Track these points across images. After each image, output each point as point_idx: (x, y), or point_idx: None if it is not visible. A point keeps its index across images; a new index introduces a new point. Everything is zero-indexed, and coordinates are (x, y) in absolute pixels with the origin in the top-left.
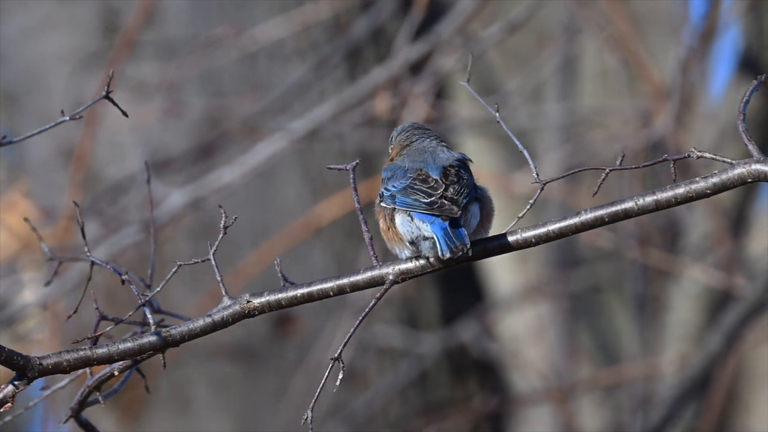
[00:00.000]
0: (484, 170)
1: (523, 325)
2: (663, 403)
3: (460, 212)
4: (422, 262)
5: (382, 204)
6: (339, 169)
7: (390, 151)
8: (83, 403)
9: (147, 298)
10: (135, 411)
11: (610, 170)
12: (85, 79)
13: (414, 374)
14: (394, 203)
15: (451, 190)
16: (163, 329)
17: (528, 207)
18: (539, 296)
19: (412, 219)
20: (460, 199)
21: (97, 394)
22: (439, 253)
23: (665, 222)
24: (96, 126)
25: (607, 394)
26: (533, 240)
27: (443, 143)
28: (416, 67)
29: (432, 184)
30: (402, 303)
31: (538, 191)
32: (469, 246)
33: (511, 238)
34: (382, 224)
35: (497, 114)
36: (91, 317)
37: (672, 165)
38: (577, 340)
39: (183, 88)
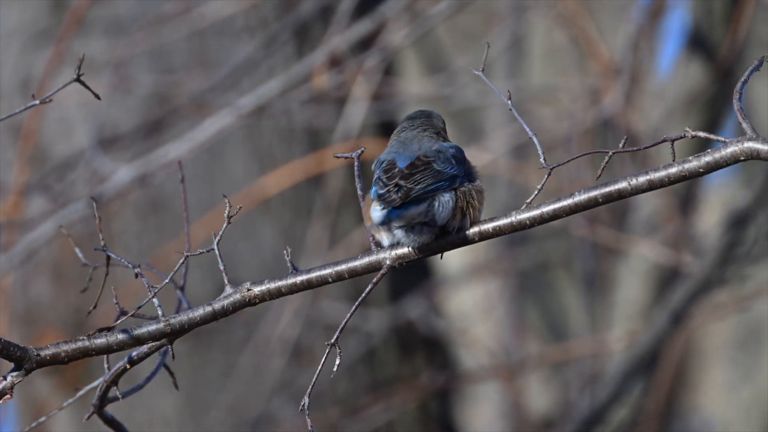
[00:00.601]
0: None
1: (471, 303)
2: (611, 380)
3: (399, 202)
4: (407, 249)
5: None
6: (345, 158)
7: None
8: (104, 399)
9: (157, 290)
10: (80, 385)
11: (614, 153)
12: (35, 55)
13: (362, 351)
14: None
15: (410, 179)
16: (162, 319)
17: (536, 192)
18: (488, 273)
19: (377, 207)
20: (415, 187)
21: (115, 388)
22: (377, 224)
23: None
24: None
25: (555, 371)
26: (527, 222)
27: (430, 133)
28: (366, 44)
29: (390, 174)
30: (350, 280)
31: (545, 177)
32: (393, 219)
33: (506, 221)
34: (365, 209)
35: (509, 102)
36: (41, 291)
37: (671, 144)
38: (526, 317)
39: (132, 64)
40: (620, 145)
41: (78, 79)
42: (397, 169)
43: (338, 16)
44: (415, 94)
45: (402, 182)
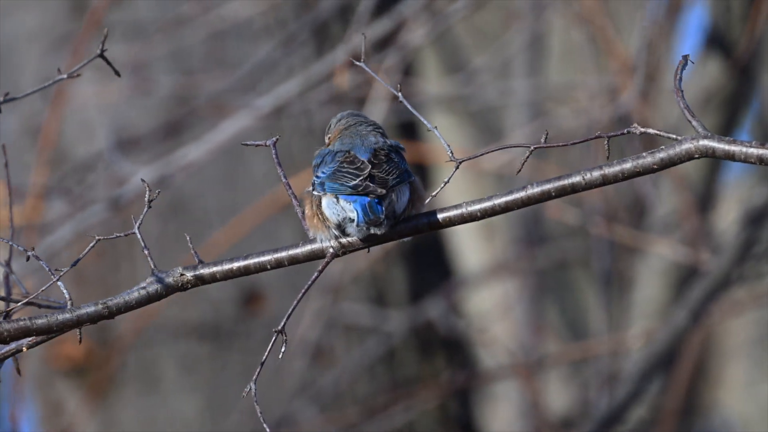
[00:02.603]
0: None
1: (490, 302)
2: (629, 378)
3: (385, 192)
4: (351, 238)
5: (314, 192)
6: (257, 145)
7: (326, 139)
8: None
9: (61, 275)
10: (102, 391)
11: (535, 148)
12: (55, 58)
13: (381, 351)
14: (324, 190)
15: (379, 169)
16: (101, 301)
17: (442, 186)
18: (506, 273)
19: (337, 200)
20: (390, 178)
21: None
22: (356, 226)
23: (632, 198)
24: (63, 105)
25: (574, 369)
26: (478, 213)
27: (380, 130)
28: (384, 44)
29: (358, 165)
30: (370, 280)
31: (453, 171)
32: (382, 218)
33: (456, 212)
34: (307, 210)
35: (400, 94)
36: (60, 294)
37: (606, 142)
38: (544, 316)
39: (151, 66)
40: (542, 140)
41: (101, 55)
42: (360, 162)
43: (357, 16)
44: (435, 93)
45: (377, 173)
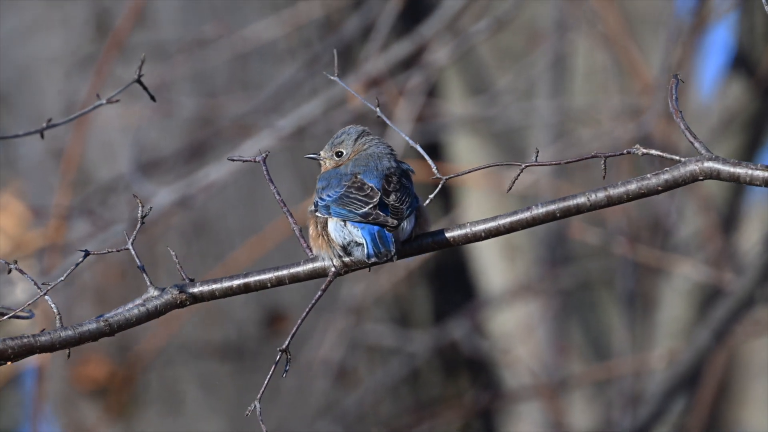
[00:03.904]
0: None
1: (513, 323)
2: (653, 398)
3: (397, 224)
4: (355, 259)
5: (317, 213)
6: (244, 161)
7: (331, 153)
8: None
9: (47, 290)
10: (125, 411)
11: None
12: (78, 80)
13: (405, 372)
14: (329, 214)
15: (393, 197)
16: (102, 318)
17: (427, 200)
18: (529, 293)
19: (345, 224)
20: (404, 207)
21: None
22: (365, 257)
23: (655, 218)
24: (86, 127)
25: (598, 390)
26: (483, 234)
27: (393, 153)
28: (408, 64)
29: (368, 192)
30: (393, 301)
31: (438, 186)
32: (393, 252)
33: (460, 232)
34: (312, 230)
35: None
36: (83, 314)
37: (603, 162)
38: (568, 336)
39: (175, 87)
40: (533, 158)
41: (138, 80)
42: (369, 188)
43: (375, 34)
44: (458, 114)
45: (393, 201)
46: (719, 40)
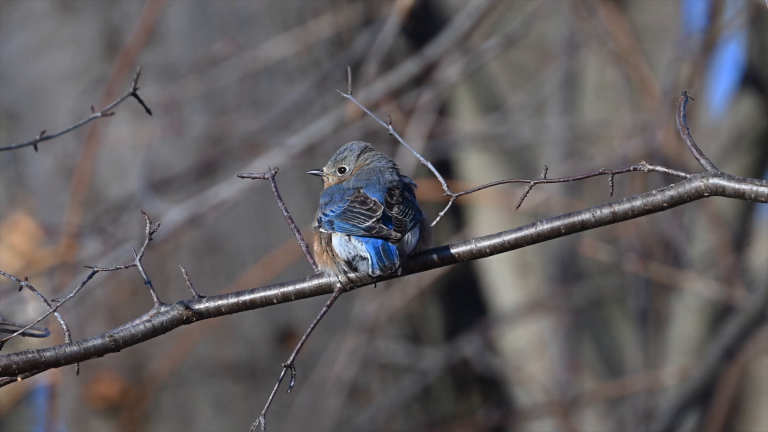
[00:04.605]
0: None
1: (525, 340)
2: (665, 415)
3: (401, 237)
4: (360, 274)
5: (321, 229)
6: (254, 178)
7: (334, 168)
8: None
9: (56, 307)
10: (137, 429)
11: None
12: (89, 98)
13: (417, 389)
14: (333, 228)
15: (396, 210)
16: (107, 334)
17: (437, 218)
18: (541, 310)
19: (349, 239)
20: (407, 220)
21: None
22: (369, 271)
23: (666, 235)
24: (96, 145)
25: (610, 407)
26: (488, 250)
27: (396, 167)
28: (418, 82)
29: (371, 206)
30: (405, 318)
31: (449, 203)
32: (398, 265)
33: (465, 248)
34: (316, 247)
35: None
36: (95, 332)
37: (610, 179)
38: (580, 353)
39: (185, 106)
40: (542, 176)
41: (134, 94)
42: (373, 202)
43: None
44: (469, 132)
45: (396, 214)
46: (730, 58)
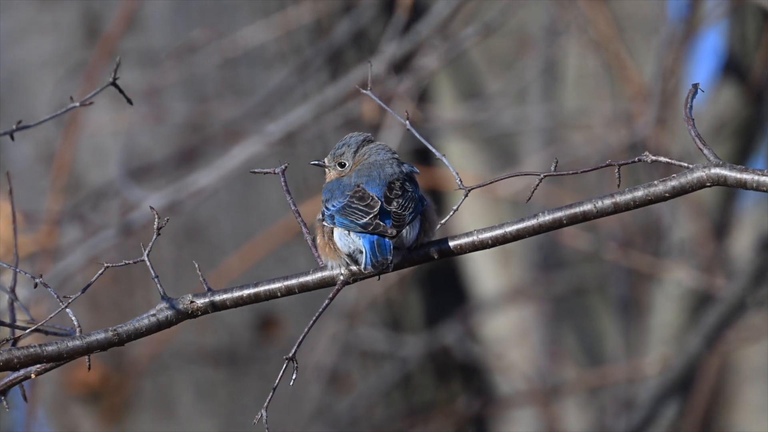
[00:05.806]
0: (467, 173)
1: (506, 328)
2: (645, 404)
3: (396, 234)
4: (360, 267)
5: (324, 222)
6: (265, 173)
7: (333, 163)
8: None
9: (69, 302)
10: (118, 416)
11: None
12: (69, 85)
13: (398, 377)
14: (334, 223)
15: (395, 204)
16: (111, 329)
17: (451, 213)
18: (522, 298)
19: (348, 233)
20: (406, 214)
21: (2, 398)
22: (362, 266)
23: (648, 224)
24: (77, 131)
25: (591, 395)
26: (489, 241)
27: (395, 156)
28: (398, 69)
29: (368, 202)
30: (385, 306)
31: (463, 197)
32: (390, 260)
33: (467, 239)
34: (319, 239)
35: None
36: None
37: (617, 170)
38: (561, 342)
39: (165, 93)
40: (552, 168)
41: (114, 83)
42: (371, 198)
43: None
44: (449, 119)
45: (395, 208)
46: (711, 46)
